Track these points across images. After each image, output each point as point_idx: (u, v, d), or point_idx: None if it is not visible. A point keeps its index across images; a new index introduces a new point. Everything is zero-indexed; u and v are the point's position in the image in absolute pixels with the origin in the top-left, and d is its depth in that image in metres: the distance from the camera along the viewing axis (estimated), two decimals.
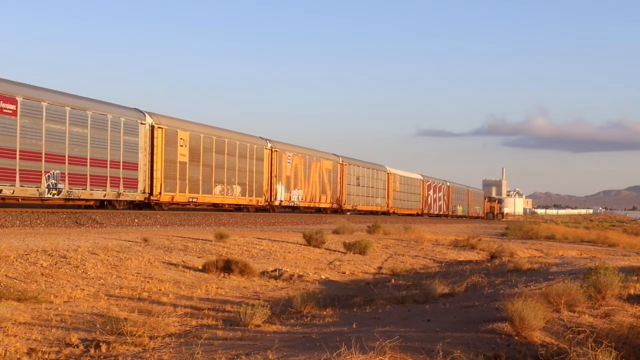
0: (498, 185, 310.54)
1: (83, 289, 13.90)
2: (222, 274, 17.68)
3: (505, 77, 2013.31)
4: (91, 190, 29.79)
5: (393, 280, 19.58)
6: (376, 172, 66.49)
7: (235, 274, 17.73)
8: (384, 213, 67.32)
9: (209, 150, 38.47)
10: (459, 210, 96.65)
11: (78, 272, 15.23)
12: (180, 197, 35.93)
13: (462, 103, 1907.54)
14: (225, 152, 40.19)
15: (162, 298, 14.06)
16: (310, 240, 25.92)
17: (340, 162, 58.06)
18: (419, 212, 78.32)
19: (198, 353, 9.07)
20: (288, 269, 19.68)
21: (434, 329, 10.63)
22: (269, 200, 45.29)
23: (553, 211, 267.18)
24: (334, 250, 25.70)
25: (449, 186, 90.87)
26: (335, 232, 32.86)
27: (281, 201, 47.02)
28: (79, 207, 30.89)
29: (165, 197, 34.63)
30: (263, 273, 18.90)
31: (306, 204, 51.22)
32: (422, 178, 79.93)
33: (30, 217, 25.13)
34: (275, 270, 19.37)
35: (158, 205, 34.52)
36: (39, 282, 13.88)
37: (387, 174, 69.24)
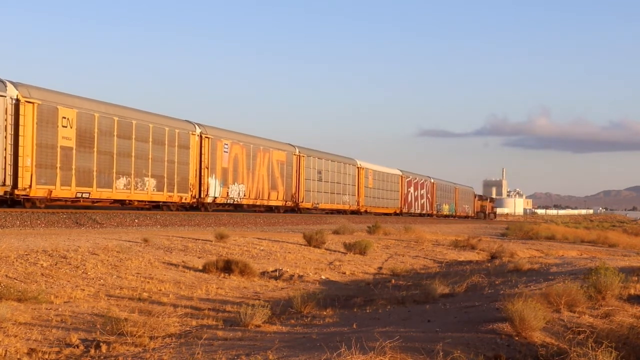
0: (498, 185, 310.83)
1: (83, 289, 13.90)
2: (222, 274, 17.68)
3: (507, 77, 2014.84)
4: None
5: (393, 281, 19.58)
6: (343, 165, 59.38)
7: (235, 274, 17.73)
8: (353, 212, 61.13)
9: (107, 133, 31.33)
10: (445, 209, 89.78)
11: (78, 273, 15.23)
12: (63, 192, 29.04)
13: (464, 103, 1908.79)
14: (133, 136, 33.02)
15: (162, 298, 14.06)
16: (311, 241, 25.92)
17: (297, 154, 50.63)
18: (397, 211, 71.81)
19: (198, 353, 9.07)
20: (288, 269, 19.68)
21: (434, 329, 10.63)
22: (197, 196, 38.22)
23: (553, 211, 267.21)
24: (334, 251, 25.70)
25: (433, 183, 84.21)
26: (336, 232, 32.87)
27: (215, 198, 39.90)
28: (81, 207, 30.88)
29: (38, 192, 27.70)
30: (263, 273, 18.90)
31: (251, 202, 44.29)
32: (400, 173, 73.54)
33: (30, 217, 25.14)
34: (276, 270, 19.37)
35: (29, 202, 27.88)
36: (39, 282, 13.88)
37: (357, 168, 62.23)
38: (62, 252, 16.45)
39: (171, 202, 36.25)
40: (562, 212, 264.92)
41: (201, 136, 38.64)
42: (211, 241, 22.85)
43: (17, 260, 14.93)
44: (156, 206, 35.41)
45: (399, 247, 29.85)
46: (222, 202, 40.89)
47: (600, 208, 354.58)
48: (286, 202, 48.87)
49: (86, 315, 11.82)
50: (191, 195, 37.49)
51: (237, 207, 43.55)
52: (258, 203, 45.35)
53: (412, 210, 76.15)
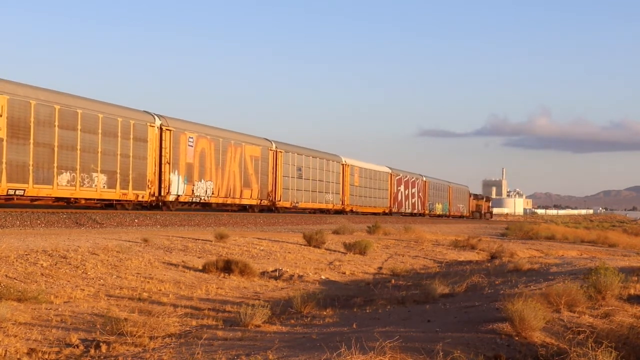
0: (498, 185, 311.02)
1: (83, 289, 13.91)
2: (222, 274, 17.68)
3: (508, 78, 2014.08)
4: None
5: (393, 281, 19.59)
6: (326, 162, 55.75)
7: (235, 274, 17.73)
8: (338, 212, 57.97)
9: (47, 124, 28.08)
10: (438, 208, 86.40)
11: (78, 273, 15.23)
12: None
13: (464, 103, 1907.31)
14: (79, 127, 29.73)
15: (162, 298, 14.06)
16: (311, 241, 25.93)
17: (273, 149, 47.23)
18: (386, 211, 68.61)
19: (198, 353, 9.07)
20: (288, 269, 19.68)
21: (434, 329, 10.64)
22: (157, 193, 35.00)
23: (553, 211, 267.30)
24: (334, 251, 25.71)
25: (425, 181, 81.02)
26: (336, 232, 32.88)
27: (178, 196, 36.62)
28: (79, 207, 30.89)
29: None
30: (263, 273, 18.91)
31: (220, 200, 40.96)
32: (389, 171, 70.24)
33: (30, 217, 25.14)
34: (276, 270, 19.38)
35: None
36: (39, 282, 13.88)
37: (342, 165, 58.98)
38: (62, 252, 16.46)
39: (126, 201, 33.01)
40: (562, 212, 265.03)
41: (161, 128, 35.38)
42: (211, 241, 22.86)
43: (17, 260, 14.93)
44: (109, 205, 32.43)
45: (398, 247, 29.85)
46: (186, 200, 37.66)
47: (600, 208, 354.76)
48: (261, 200, 45.57)
49: (86, 315, 11.82)
50: (149, 192, 34.29)
51: (205, 206, 40.48)
52: (229, 202, 42.02)
53: (403, 210, 73.37)
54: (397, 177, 71.84)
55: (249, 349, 9.42)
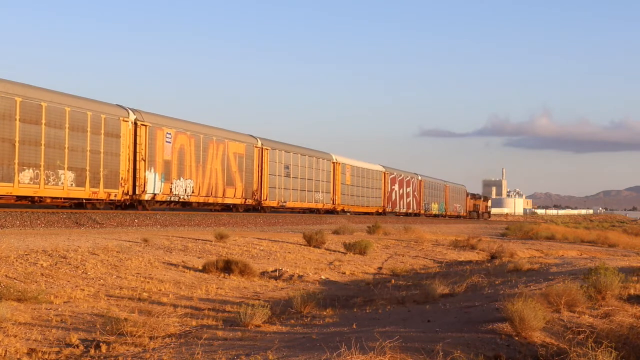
0: (498, 185, 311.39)
1: (83, 289, 13.91)
2: (222, 274, 17.69)
3: (510, 78, 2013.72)
4: None
5: (393, 281, 19.60)
6: (316, 160, 53.80)
7: (235, 274, 17.74)
8: (328, 211, 55.99)
9: (6, 117, 26.29)
10: (434, 208, 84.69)
11: (78, 273, 15.24)
12: None
13: (466, 103, 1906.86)
14: (43, 121, 27.84)
15: (162, 298, 14.06)
16: (310, 241, 25.94)
17: (259, 146, 45.36)
18: (380, 211, 66.82)
19: (198, 353, 9.08)
20: (288, 269, 19.69)
21: (434, 329, 10.64)
22: (131, 192, 33.13)
23: (553, 211, 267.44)
24: (334, 251, 25.72)
25: (420, 180, 79.35)
26: (336, 232, 32.90)
27: (155, 194, 34.63)
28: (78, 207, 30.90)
29: None
30: (263, 273, 18.92)
31: (201, 199, 39.01)
32: (383, 170, 68.27)
33: (30, 217, 25.15)
34: (275, 270, 19.38)
35: None
36: (39, 282, 13.88)
37: (333, 163, 57.05)
38: (62, 252, 16.46)
39: (97, 199, 31.13)
40: (562, 212, 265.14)
41: (136, 123, 33.46)
42: (211, 241, 22.87)
43: (17, 260, 14.94)
44: (79, 205, 30.56)
45: (398, 247, 29.86)
46: (164, 199, 35.74)
47: (600, 208, 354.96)
48: (246, 199, 43.58)
49: (86, 315, 11.82)
50: (123, 191, 32.44)
51: (184, 206, 38.58)
52: (210, 201, 40.08)
53: (397, 210, 71.51)
54: (391, 176, 70.18)
55: (249, 349, 9.42)
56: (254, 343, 9.99)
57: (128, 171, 32.92)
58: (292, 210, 50.76)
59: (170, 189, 35.98)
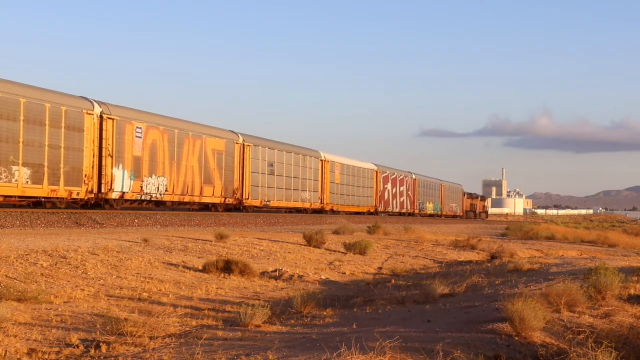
0: (498, 185, 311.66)
1: (83, 289, 13.92)
2: (222, 274, 17.69)
3: (510, 77, 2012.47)
4: None
5: (393, 281, 19.60)
6: (303, 157, 51.55)
7: (235, 274, 17.74)
8: (316, 211, 53.77)
9: None
10: (429, 207, 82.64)
11: (78, 273, 15.24)
12: None
13: (466, 103, 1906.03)
14: None
15: (162, 298, 14.07)
16: (310, 241, 25.95)
17: (240, 142, 42.97)
18: (371, 210, 64.87)
19: (198, 353, 9.08)
20: (288, 269, 19.70)
21: (434, 329, 10.64)
22: (96, 190, 30.95)
23: (553, 211, 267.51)
24: (334, 251, 25.73)
25: (414, 179, 77.11)
26: (336, 232, 32.92)
27: (124, 192, 32.38)
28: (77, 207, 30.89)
29: None
30: (263, 273, 18.92)
31: (176, 198, 36.55)
32: (375, 168, 66.12)
33: (30, 217, 25.16)
34: (276, 270, 19.39)
35: None
36: (39, 282, 13.89)
37: (321, 160, 54.78)
38: (62, 252, 16.47)
39: (57, 198, 28.92)
40: (562, 212, 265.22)
41: (102, 116, 31.16)
42: (211, 241, 22.87)
43: (17, 260, 14.94)
44: (37, 203, 28.48)
45: (398, 247, 29.87)
46: (134, 198, 33.48)
47: (600, 208, 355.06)
48: (225, 198, 41.14)
49: (86, 315, 11.83)
50: (87, 189, 30.19)
51: (158, 205, 36.24)
52: (186, 200, 37.63)
53: (390, 209, 69.33)
54: (384, 175, 67.94)
55: (249, 349, 9.42)
56: (254, 343, 9.99)
57: (92, 168, 30.68)
58: (278, 210, 48.85)
59: (141, 187, 33.74)
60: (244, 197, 43.14)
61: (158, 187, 34.92)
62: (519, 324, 10.07)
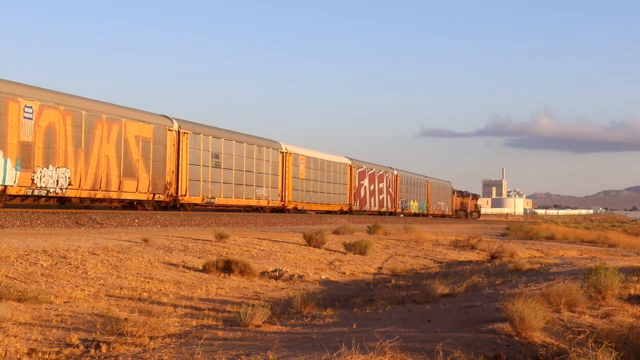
0: (498, 185, 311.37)
1: (83, 289, 13.91)
2: (222, 274, 17.69)
3: (511, 77, 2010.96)
4: None
5: (393, 281, 19.60)
6: (258, 149, 45.30)
7: (235, 274, 17.75)
8: (275, 209, 47.88)
9: None
10: (413, 206, 76.90)
11: (78, 273, 15.24)
12: None
13: (467, 103, 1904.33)
14: None
15: (162, 298, 14.07)
16: (311, 241, 25.95)
17: (175, 129, 36.54)
18: (344, 209, 58.83)
19: (198, 353, 9.08)
20: (288, 269, 19.70)
21: (434, 329, 10.64)
22: None
23: (553, 211, 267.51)
24: (334, 251, 25.72)
25: (396, 175, 71.01)
26: (336, 232, 32.92)
27: (5, 186, 26.19)
28: (77, 207, 30.88)
29: None
30: (263, 273, 18.92)
31: (85, 193, 30.36)
32: (349, 162, 60.00)
33: (30, 217, 25.15)
34: (276, 270, 19.39)
35: None
36: (39, 282, 13.89)
37: (282, 153, 48.57)
38: (62, 252, 16.47)
39: None
40: (562, 212, 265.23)
41: None
42: (211, 241, 22.87)
43: (17, 260, 14.94)
44: None
45: (398, 247, 29.87)
46: (21, 193, 27.20)
47: (600, 208, 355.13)
48: (154, 194, 34.87)
49: (86, 315, 11.82)
50: None
51: (62, 202, 30.14)
52: (100, 196, 31.36)
53: (367, 208, 63.49)
54: (360, 170, 61.98)
55: (249, 349, 9.42)
56: (254, 343, 9.99)
57: None
58: (226, 209, 42.93)
59: (32, 179, 27.35)
60: (179, 193, 36.91)
61: (58, 180, 28.61)
62: (519, 324, 10.07)
